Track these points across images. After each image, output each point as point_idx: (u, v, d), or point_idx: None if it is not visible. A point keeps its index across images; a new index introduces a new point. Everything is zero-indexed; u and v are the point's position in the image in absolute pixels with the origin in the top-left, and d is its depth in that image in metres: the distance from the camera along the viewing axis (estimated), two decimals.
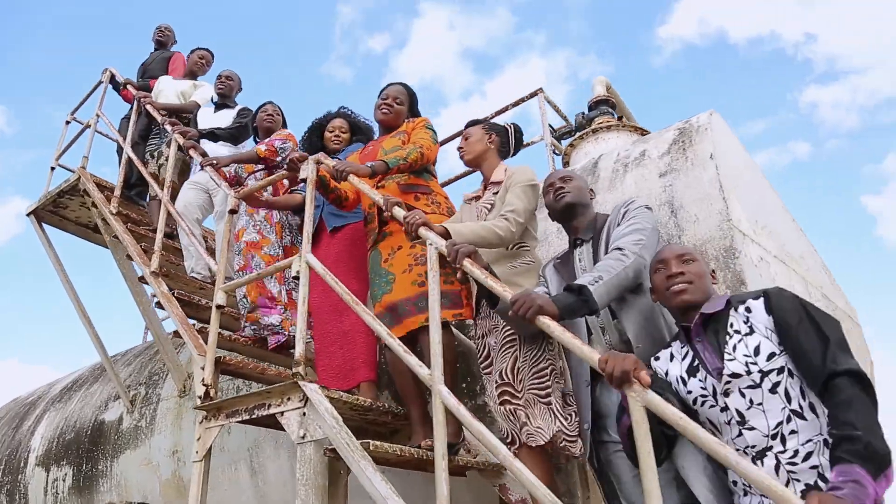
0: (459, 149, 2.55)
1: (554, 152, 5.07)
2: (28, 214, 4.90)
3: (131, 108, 4.72)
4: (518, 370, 2.03)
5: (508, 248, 2.26)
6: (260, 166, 3.48)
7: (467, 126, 2.62)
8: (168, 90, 4.44)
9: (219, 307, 2.56)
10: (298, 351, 2.18)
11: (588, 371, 1.88)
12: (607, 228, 1.97)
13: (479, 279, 1.77)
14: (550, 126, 5.15)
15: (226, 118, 3.96)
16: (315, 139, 3.25)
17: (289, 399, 2.19)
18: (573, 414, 1.99)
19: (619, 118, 5.31)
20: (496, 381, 2.02)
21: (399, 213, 2.13)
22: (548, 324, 1.56)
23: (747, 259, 2.73)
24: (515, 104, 5.16)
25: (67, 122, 5.34)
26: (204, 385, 2.48)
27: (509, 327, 2.11)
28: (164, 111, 4.02)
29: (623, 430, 1.59)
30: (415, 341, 2.49)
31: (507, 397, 1.98)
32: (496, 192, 2.41)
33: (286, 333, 3.09)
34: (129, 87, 4.53)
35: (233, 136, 3.74)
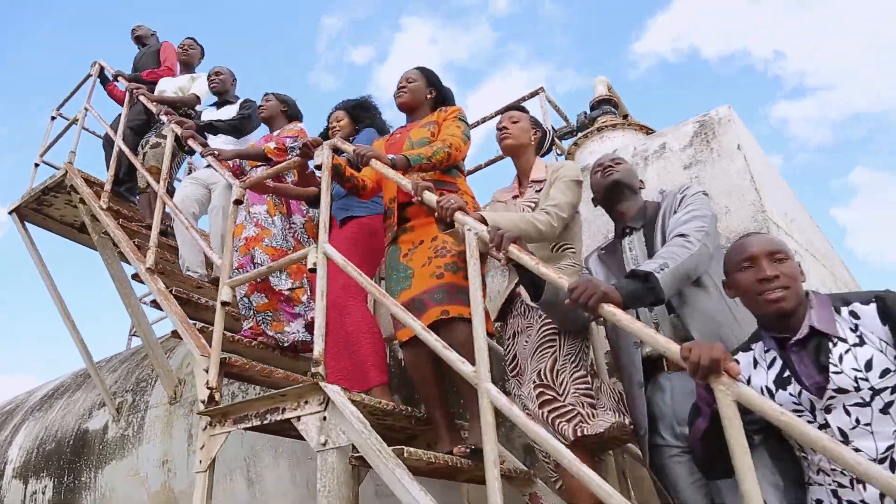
0: (502, 128, 2.37)
1: (556, 153, 4.98)
2: (10, 212, 4.65)
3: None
4: (557, 371, 1.86)
5: (552, 250, 2.11)
6: (261, 164, 3.30)
7: (512, 109, 2.45)
8: (168, 89, 4.25)
9: (224, 304, 2.37)
10: (318, 349, 2.00)
11: (640, 371, 1.72)
12: (662, 216, 1.82)
13: (528, 265, 1.61)
14: (552, 126, 5.05)
15: (229, 113, 3.77)
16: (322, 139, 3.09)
17: (306, 402, 2.00)
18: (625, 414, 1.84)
19: (625, 116, 5.24)
20: (534, 381, 1.85)
21: (430, 197, 1.96)
22: (613, 312, 1.40)
23: None
24: (519, 103, 5.04)
25: (53, 118, 5.10)
26: (208, 388, 2.29)
27: (547, 325, 1.95)
28: (161, 103, 3.82)
29: (697, 435, 1.44)
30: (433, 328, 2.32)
31: (546, 398, 1.81)
32: (539, 190, 2.25)
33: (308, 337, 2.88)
34: (120, 78, 4.31)
35: (235, 128, 3.54)
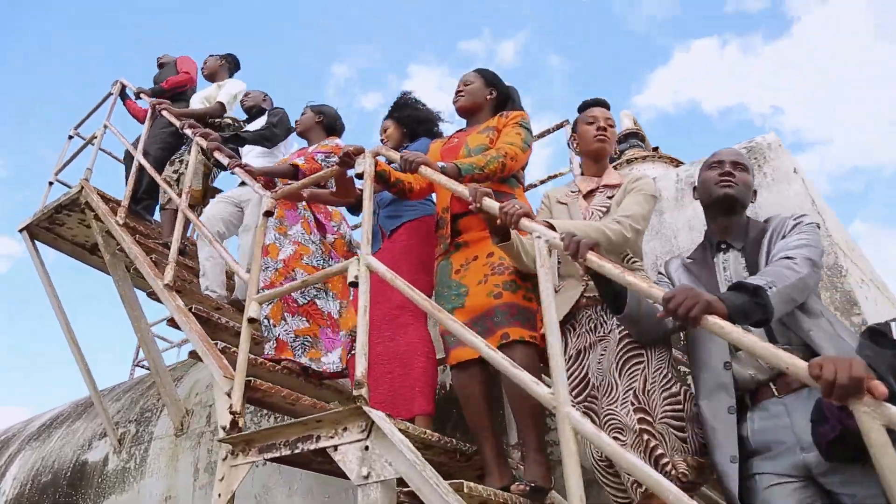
0: (603, 131, 2.16)
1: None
2: (21, 230, 4.50)
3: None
4: (649, 392, 1.66)
5: (622, 262, 1.93)
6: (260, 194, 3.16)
7: (603, 105, 2.27)
8: (194, 99, 4.15)
9: (251, 321, 2.17)
10: (360, 369, 1.79)
11: (733, 395, 1.53)
12: (769, 239, 1.65)
13: (612, 274, 1.43)
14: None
15: (259, 124, 3.64)
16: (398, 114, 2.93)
17: (345, 430, 1.79)
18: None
19: (655, 149, 5.15)
20: (631, 403, 1.64)
21: (491, 204, 1.79)
22: (721, 324, 1.22)
23: (853, 278, 2.42)
24: (541, 135, 4.94)
25: (70, 137, 4.99)
26: (231, 413, 2.08)
27: (627, 338, 1.76)
28: (185, 116, 3.69)
29: (821, 440, 1.26)
30: (484, 363, 2.13)
31: (646, 425, 1.60)
32: (611, 196, 2.08)
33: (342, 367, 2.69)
34: (142, 95, 4.21)
35: (264, 137, 3.40)
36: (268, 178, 3.06)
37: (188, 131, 3.30)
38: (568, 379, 1.96)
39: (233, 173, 2.83)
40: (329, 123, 3.34)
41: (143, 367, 6.97)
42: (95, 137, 4.40)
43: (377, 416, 1.71)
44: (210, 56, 4.41)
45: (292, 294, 2.75)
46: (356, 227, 3.61)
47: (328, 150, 3.12)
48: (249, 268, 3.41)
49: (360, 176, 2.18)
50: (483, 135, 2.40)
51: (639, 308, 1.68)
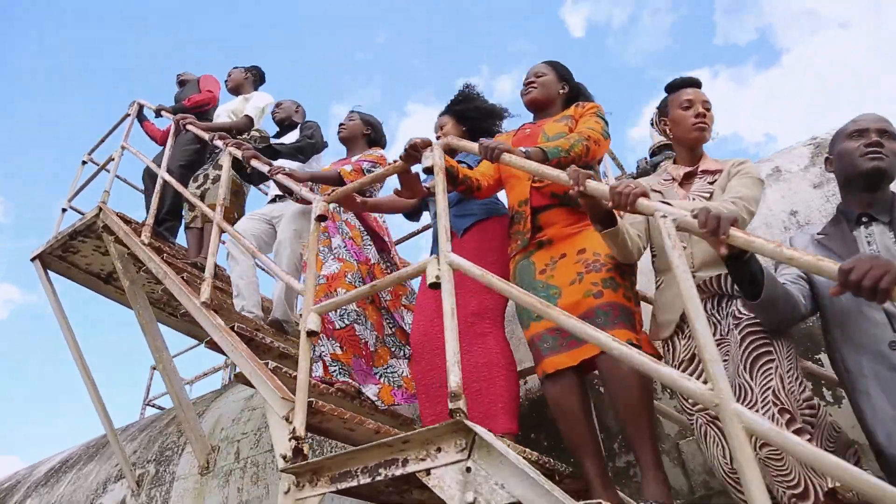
0: (701, 117, 1.98)
1: None
2: (33, 259, 4.27)
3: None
4: (788, 392, 1.44)
5: None
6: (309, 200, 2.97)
7: (696, 84, 2.07)
8: (220, 114, 3.97)
9: (311, 334, 1.94)
10: (455, 379, 1.56)
11: None
12: None
13: (764, 250, 1.22)
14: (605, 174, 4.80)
15: (291, 138, 3.46)
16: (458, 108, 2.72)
17: (439, 450, 1.54)
18: None
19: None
20: (773, 404, 1.41)
21: (598, 186, 1.59)
22: None
23: None
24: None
25: (84, 163, 4.81)
26: (294, 439, 1.83)
27: (755, 330, 1.55)
28: (211, 130, 3.51)
29: None
30: (584, 370, 1.90)
31: (795, 426, 1.37)
32: (713, 182, 1.90)
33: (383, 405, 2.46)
34: (163, 112, 4.03)
35: (299, 150, 3.22)
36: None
37: (219, 143, 3.11)
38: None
39: (274, 180, 2.63)
40: (375, 136, 3.18)
41: (154, 406, 6.66)
42: (112, 160, 4.21)
43: (482, 431, 1.47)
44: (234, 68, 4.25)
45: (330, 315, 2.52)
46: (410, 236, 3.39)
47: (374, 160, 2.95)
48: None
49: (428, 171, 1.98)
50: (561, 123, 2.25)
51: (775, 291, 1.48)
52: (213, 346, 2.48)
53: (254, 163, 2.75)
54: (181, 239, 4.19)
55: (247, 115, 3.87)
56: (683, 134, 1.99)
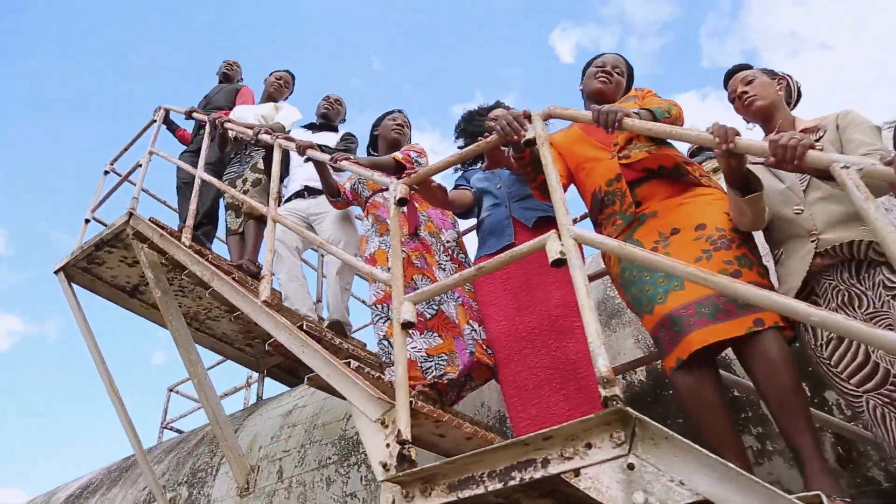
0: (742, 95, 1.96)
1: None
2: (57, 272, 4.06)
3: (193, 140, 4.07)
4: None
5: None
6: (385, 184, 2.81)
7: (735, 72, 2.01)
8: (246, 116, 3.79)
9: (407, 325, 1.73)
10: (603, 363, 1.35)
11: None
12: None
13: None
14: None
15: (326, 139, 3.30)
16: (474, 127, 2.62)
17: (588, 446, 1.33)
18: None
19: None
20: None
21: (752, 142, 1.42)
22: None
23: None
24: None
25: (106, 173, 4.62)
26: (399, 443, 1.61)
27: None
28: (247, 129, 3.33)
29: None
30: (714, 351, 1.70)
31: None
32: (818, 139, 1.75)
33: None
34: (194, 114, 3.85)
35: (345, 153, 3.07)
36: (351, 192, 2.71)
37: (266, 137, 2.92)
38: (840, 370, 1.55)
39: (336, 168, 2.46)
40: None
41: (172, 429, 6.39)
42: (139, 166, 4.02)
43: (647, 421, 1.26)
44: (284, 72, 4.12)
45: (419, 307, 2.33)
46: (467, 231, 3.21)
47: (419, 151, 2.84)
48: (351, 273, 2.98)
49: (530, 143, 1.79)
50: (630, 101, 2.18)
51: None
52: (277, 349, 2.26)
53: (310, 153, 2.56)
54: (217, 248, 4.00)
55: (279, 123, 3.69)
56: (748, 118, 1.99)
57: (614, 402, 1.30)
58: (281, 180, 3.69)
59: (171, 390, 6.65)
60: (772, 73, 2.05)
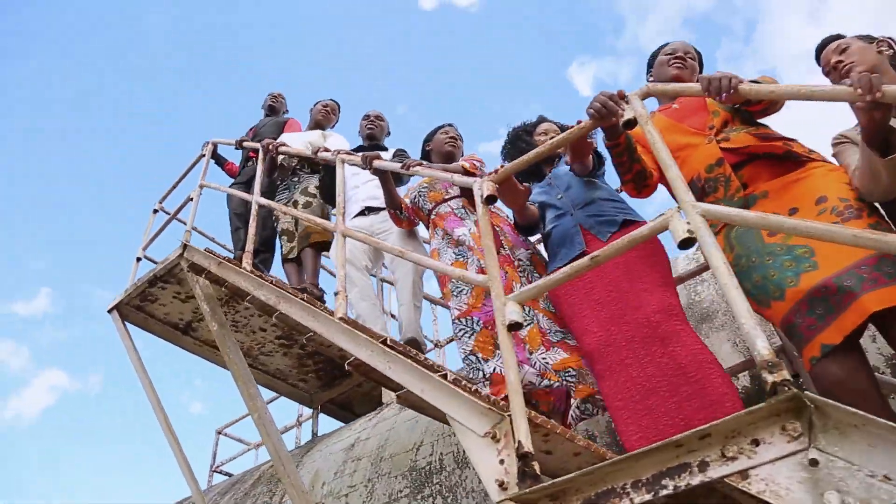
0: (838, 64, 1.85)
1: None
2: (110, 311, 4.02)
3: (241, 172, 4.05)
4: None
5: None
6: (450, 195, 2.71)
7: (827, 44, 1.90)
8: (294, 143, 3.77)
9: (514, 327, 1.58)
10: (763, 346, 1.19)
11: None
12: None
13: None
14: None
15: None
16: (521, 146, 2.54)
17: (755, 443, 1.16)
18: None
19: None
20: None
21: None
22: None
23: None
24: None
25: (155, 211, 4.63)
26: (520, 457, 1.45)
27: None
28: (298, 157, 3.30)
29: None
30: (859, 346, 1.52)
31: None
32: None
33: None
34: (244, 144, 3.84)
35: (395, 175, 3.01)
36: (412, 208, 2.61)
37: (326, 155, 2.86)
38: None
39: (409, 174, 2.38)
40: None
41: (221, 472, 6.24)
42: (191, 199, 3.99)
43: (828, 405, 1.09)
44: (331, 102, 4.14)
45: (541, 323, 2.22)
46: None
47: (479, 160, 2.79)
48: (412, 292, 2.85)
49: (630, 124, 1.67)
50: None
51: None
52: (358, 368, 2.12)
53: (377, 163, 2.48)
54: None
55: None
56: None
57: (785, 388, 1.13)
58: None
59: (219, 433, 6.54)
60: (869, 38, 1.93)
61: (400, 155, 3.31)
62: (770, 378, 1.16)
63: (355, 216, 3.25)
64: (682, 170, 2.00)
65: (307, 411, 5.37)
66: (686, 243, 1.38)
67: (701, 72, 2.30)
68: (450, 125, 3.10)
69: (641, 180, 2.02)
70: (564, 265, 2.22)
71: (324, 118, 4.02)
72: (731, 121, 1.94)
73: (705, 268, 2.45)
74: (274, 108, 4.55)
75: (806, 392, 1.11)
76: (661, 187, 2.17)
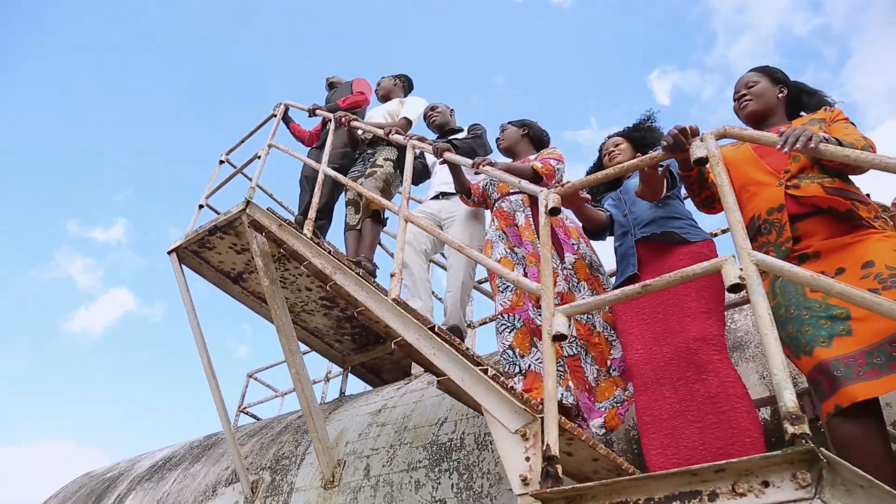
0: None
1: None
2: (169, 252, 4.26)
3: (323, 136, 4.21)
4: None
5: None
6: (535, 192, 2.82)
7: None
8: (375, 115, 3.90)
9: (559, 338, 1.71)
10: (790, 399, 1.29)
11: None
12: None
13: None
14: None
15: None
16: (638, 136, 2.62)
17: (765, 484, 1.27)
18: None
19: None
20: None
21: None
22: None
23: None
24: None
25: (221, 162, 4.84)
26: (546, 459, 1.58)
27: None
28: (377, 129, 3.42)
29: None
30: (879, 409, 1.60)
31: None
32: None
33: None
34: (317, 112, 3.98)
35: (473, 149, 3.09)
36: (481, 195, 2.70)
37: (397, 137, 2.99)
38: None
39: (477, 172, 2.48)
40: (536, 135, 3.04)
41: (248, 413, 6.58)
42: (258, 157, 4.18)
43: (840, 464, 1.19)
44: (384, 77, 4.22)
45: (538, 321, 2.32)
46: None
47: (557, 157, 2.81)
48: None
49: (700, 162, 1.74)
50: (815, 125, 2.00)
51: None
52: (402, 348, 2.28)
53: (447, 156, 2.59)
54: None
55: (405, 118, 3.77)
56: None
57: (803, 441, 1.23)
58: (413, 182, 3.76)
59: (250, 376, 6.86)
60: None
61: (473, 130, 3.37)
62: (790, 429, 1.26)
63: (430, 199, 3.35)
64: (749, 205, 2.06)
65: (336, 369, 5.60)
66: (736, 288, 1.48)
67: (785, 83, 2.26)
68: (503, 124, 3.14)
69: (710, 203, 2.08)
70: (617, 286, 2.33)
71: (385, 91, 4.12)
72: (809, 168, 1.94)
73: (747, 301, 2.52)
74: (333, 84, 4.68)
75: (821, 448, 1.21)
76: None
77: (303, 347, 5.28)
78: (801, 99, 2.25)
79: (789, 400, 1.29)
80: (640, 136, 2.63)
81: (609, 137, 2.77)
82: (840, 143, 1.70)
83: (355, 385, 8.48)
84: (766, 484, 1.27)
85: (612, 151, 2.63)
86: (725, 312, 2.83)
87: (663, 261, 2.31)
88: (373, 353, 4.94)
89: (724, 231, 3.80)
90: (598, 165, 2.71)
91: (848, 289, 1.33)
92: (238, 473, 4.12)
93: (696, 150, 1.76)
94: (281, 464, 4.13)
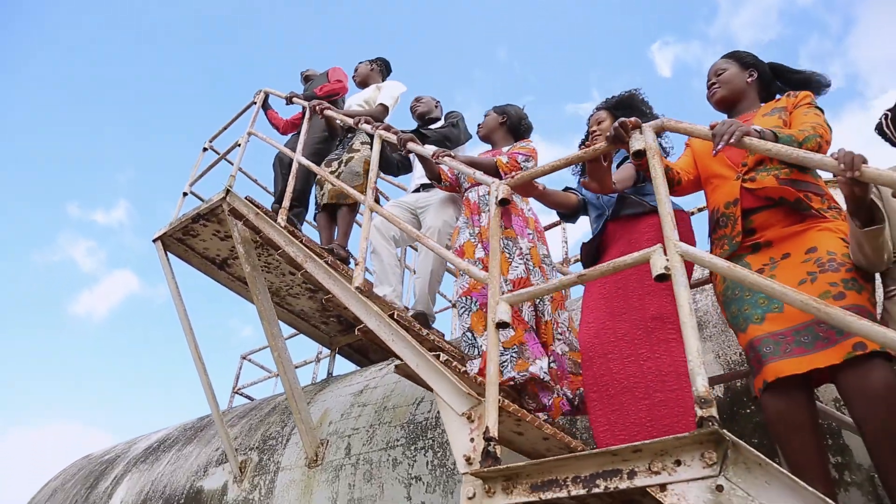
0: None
1: None
2: (155, 240, 4.34)
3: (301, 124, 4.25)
4: None
5: None
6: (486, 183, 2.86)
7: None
8: (353, 104, 3.93)
9: (502, 325, 1.78)
10: (702, 384, 1.37)
11: None
12: None
13: None
14: None
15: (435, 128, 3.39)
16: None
17: (678, 463, 1.35)
18: None
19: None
20: None
21: (881, 172, 1.38)
22: None
23: None
24: None
25: (204, 150, 4.90)
26: (486, 439, 1.67)
27: None
28: (347, 117, 3.46)
29: None
30: (809, 383, 1.67)
31: None
32: None
33: (564, 393, 2.32)
34: (294, 100, 4.03)
35: (446, 137, 3.13)
36: (454, 180, 2.75)
37: (366, 126, 3.04)
38: None
39: (438, 164, 2.53)
40: (513, 125, 3.04)
41: (242, 394, 6.72)
42: (238, 146, 4.23)
43: (742, 445, 1.28)
44: (360, 63, 4.24)
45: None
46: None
47: (527, 153, 2.84)
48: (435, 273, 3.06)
49: (638, 154, 1.80)
50: (773, 116, 2.05)
51: None
52: (366, 335, 2.36)
53: (410, 146, 2.65)
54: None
55: (381, 104, 3.80)
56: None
57: (710, 424, 1.32)
58: (392, 173, 3.80)
59: (244, 358, 6.98)
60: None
61: (450, 117, 3.40)
62: (699, 412, 1.34)
63: (412, 192, 3.39)
64: (711, 198, 2.11)
65: (326, 350, 5.72)
66: (661, 278, 1.55)
67: (756, 66, 2.25)
68: (493, 108, 3.15)
69: (670, 188, 2.12)
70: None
71: (361, 77, 4.14)
72: (767, 160, 1.96)
73: (707, 281, 2.59)
74: (308, 77, 4.70)
75: (725, 430, 1.30)
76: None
77: (292, 330, 5.41)
78: (782, 79, 2.24)
79: (700, 385, 1.37)
80: (622, 114, 2.61)
81: (596, 110, 2.72)
82: (775, 135, 1.75)
83: (346, 366, 8.64)
84: (678, 463, 1.36)
85: (595, 131, 2.62)
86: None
87: (630, 232, 2.33)
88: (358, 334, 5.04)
89: (700, 210, 3.86)
90: (588, 137, 2.72)
91: (756, 278, 1.40)
92: (227, 454, 4.25)
93: (635, 143, 1.82)
94: (268, 444, 4.26)
